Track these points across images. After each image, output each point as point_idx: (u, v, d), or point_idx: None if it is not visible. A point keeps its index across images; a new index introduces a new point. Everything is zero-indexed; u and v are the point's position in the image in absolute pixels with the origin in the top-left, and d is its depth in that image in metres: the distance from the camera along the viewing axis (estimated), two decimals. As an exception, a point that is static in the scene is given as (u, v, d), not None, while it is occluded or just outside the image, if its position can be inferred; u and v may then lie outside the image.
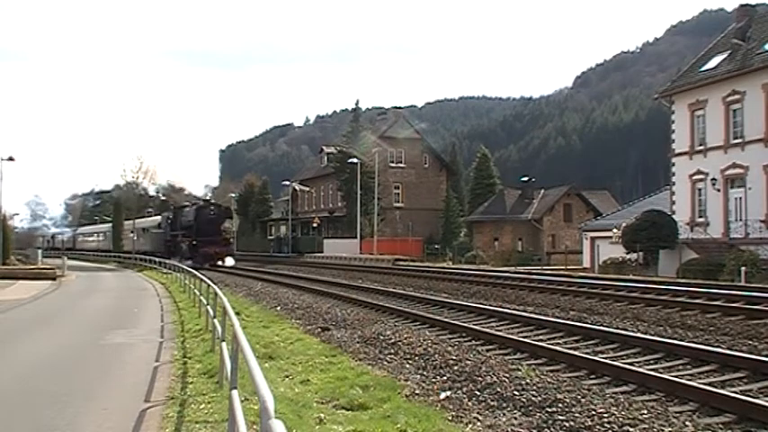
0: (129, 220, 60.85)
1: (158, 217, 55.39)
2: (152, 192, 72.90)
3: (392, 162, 60.72)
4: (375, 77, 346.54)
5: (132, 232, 57.35)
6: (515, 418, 6.46)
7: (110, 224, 68.46)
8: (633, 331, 11.05)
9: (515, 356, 9.33)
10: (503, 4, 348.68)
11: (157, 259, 38.44)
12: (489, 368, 8.08)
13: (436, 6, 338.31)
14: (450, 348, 9.52)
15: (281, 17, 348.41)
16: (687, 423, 5.84)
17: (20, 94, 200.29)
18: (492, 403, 6.98)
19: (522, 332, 11.58)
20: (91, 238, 75.90)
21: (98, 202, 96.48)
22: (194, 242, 41.19)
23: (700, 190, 32.51)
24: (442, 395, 7.39)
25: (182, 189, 72.77)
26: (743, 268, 23.52)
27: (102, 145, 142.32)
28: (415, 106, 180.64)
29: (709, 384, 7.25)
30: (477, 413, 6.70)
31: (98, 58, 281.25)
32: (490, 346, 10.07)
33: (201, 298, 14.09)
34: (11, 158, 38.01)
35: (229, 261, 41.13)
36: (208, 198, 48.73)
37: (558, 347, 9.55)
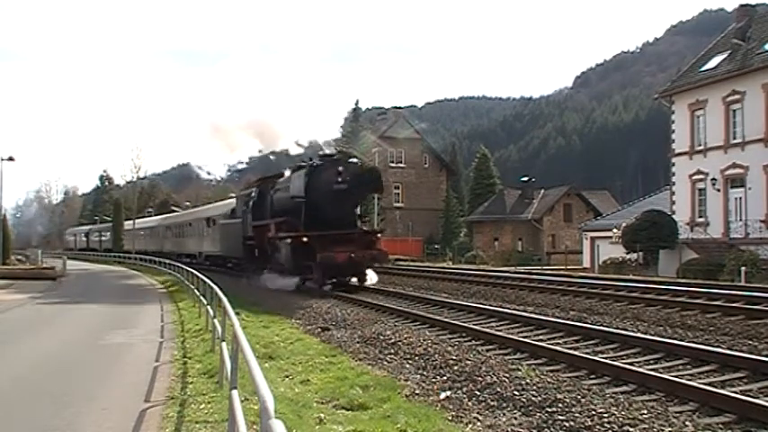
0: (186, 210, 56.12)
1: (231, 200, 33.66)
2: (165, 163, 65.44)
3: (392, 162, 60.69)
4: (375, 77, 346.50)
5: (190, 224, 41.16)
6: (515, 418, 6.45)
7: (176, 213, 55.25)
8: (633, 331, 11.02)
9: (515, 356, 9.32)
10: (503, 4, 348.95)
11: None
12: (489, 368, 8.07)
13: (436, 6, 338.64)
14: (450, 348, 9.51)
15: (281, 17, 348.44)
16: (687, 423, 5.83)
17: (20, 94, 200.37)
18: (492, 403, 6.97)
19: (522, 332, 11.55)
20: (140, 234, 57.44)
21: (97, 200, 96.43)
22: (304, 240, 20.57)
23: (700, 190, 32.51)
24: (442, 395, 7.38)
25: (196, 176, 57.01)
26: (743, 268, 23.51)
27: (100, 145, 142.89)
28: (415, 106, 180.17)
29: (710, 384, 7.23)
30: (477, 413, 6.69)
31: (97, 59, 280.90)
32: (490, 346, 10.06)
33: (201, 298, 14.09)
34: (11, 158, 38.06)
35: (372, 277, 22.06)
36: (329, 153, 22.64)
37: (558, 347, 9.53)
